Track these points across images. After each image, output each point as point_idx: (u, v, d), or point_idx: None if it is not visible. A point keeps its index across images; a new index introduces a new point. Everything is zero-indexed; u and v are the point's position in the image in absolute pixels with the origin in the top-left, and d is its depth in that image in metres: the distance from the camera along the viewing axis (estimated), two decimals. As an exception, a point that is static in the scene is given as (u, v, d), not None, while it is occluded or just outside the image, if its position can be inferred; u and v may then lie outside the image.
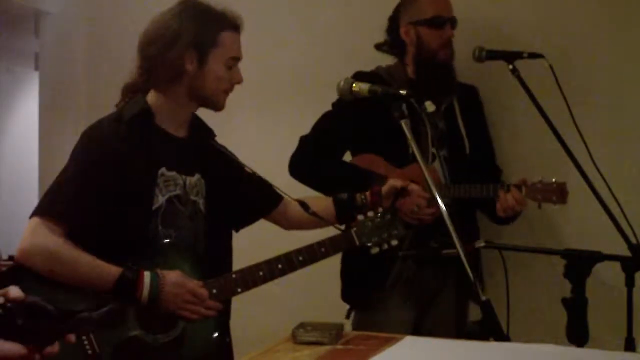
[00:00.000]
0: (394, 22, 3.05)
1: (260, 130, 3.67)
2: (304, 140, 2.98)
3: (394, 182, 2.51)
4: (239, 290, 2.22)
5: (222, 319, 2.26)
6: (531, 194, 2.78)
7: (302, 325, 1.95)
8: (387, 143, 2.85)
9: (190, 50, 2.24)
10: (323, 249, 2.32)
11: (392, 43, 3.07)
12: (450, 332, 2.93)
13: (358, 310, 2.98)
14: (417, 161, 2.79)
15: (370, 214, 2.39)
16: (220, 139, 2.48)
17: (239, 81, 2.34)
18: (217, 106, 2.34)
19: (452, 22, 2.96)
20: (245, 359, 1.81)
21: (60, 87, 4.26)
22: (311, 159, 2.95)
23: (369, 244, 2.37)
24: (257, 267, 2.24)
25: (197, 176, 2.33)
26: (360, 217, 2.38)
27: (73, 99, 4.16)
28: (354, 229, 2.37)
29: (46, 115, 4.35)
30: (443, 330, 2.93)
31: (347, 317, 2.97)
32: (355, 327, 2.93)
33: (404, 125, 2.07)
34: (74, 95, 4.17)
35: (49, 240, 2.08)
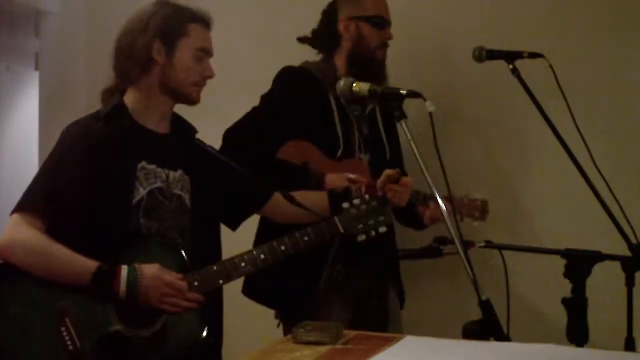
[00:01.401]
0: (329, 16, 3.01)
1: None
2: (231, 133, 2.81)
3: (390, 172, 2.50)
4: (221, 282, 2.21)
5: (210, 313, 2.24)
6: (457, 207, 2.80)
7: (302, 325, 1.94)
8: (317, 133, 2.83)
9: (157, 40, 2.28)
10: (306, 238, 2.29)
11: (324, 37, 3.00)
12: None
13: (287, 316, 2.86)
14: (350, 156, 2.84)
15: (355, 201, 2.35)
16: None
17: (210, 75, 2.35)
18: (189, 99, 2.35)
19: (390, 24, 2.98)
20: (245, 359, 1.81)
21: (60, 87, 4.26)
22: (240, 154, 2.67)
23: (354, 232, 2.34)
24: (239, 258, 2.23)
25: (180, 172, 2.34)
26: (345, 204, 2.34)
27: (73, 99, 4.16)
28: (338, 217, 2.34)
29: (46, 115, 4.34)
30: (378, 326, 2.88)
31: (278, 326, 2.90)
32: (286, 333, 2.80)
33: (404, 124, 2.06)
34: (74, 95, 4.16)
35: (28, 234, 2.10)
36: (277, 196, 2.51)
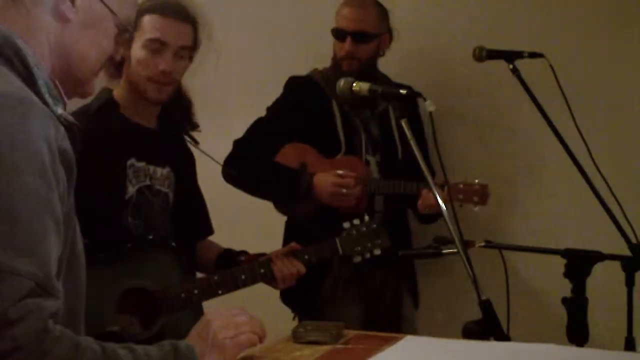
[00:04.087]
0: None
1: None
2: (236, 143, 2.95)
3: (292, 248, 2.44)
4: (220, 292, 2.23)
5: None
6: (453, 193, 2.74)
7: (302, 325, 1.94)
8: (320, 139, 2.89)
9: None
10: (306, 256, 2.36)
11: None
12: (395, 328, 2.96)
13: (302, 314, 2.97)
14: (347, 153, 2.88)
15: (356, 221, 2.40)
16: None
17: (164, 69, 2.21)
18: (146, 97, 2.25)
19: (357, 36, 2.90)
20: (245, 359, 1.81)
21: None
22: (243, 162, 2.88)
23: (351, 253, 2.39)
24: (240, 270, 2.26)
25: (167, 168, 2.32)
26: (346, 224, 2.40)
27: (73, 99, 4.15)
28: (339, 238, 2.38)
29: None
30: (391, 325, 2.94)
31: (294, 318, 2.98)
32: None
33: (404, 124, 2.06)
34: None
35: None
36: (208, 240, 2.51)
